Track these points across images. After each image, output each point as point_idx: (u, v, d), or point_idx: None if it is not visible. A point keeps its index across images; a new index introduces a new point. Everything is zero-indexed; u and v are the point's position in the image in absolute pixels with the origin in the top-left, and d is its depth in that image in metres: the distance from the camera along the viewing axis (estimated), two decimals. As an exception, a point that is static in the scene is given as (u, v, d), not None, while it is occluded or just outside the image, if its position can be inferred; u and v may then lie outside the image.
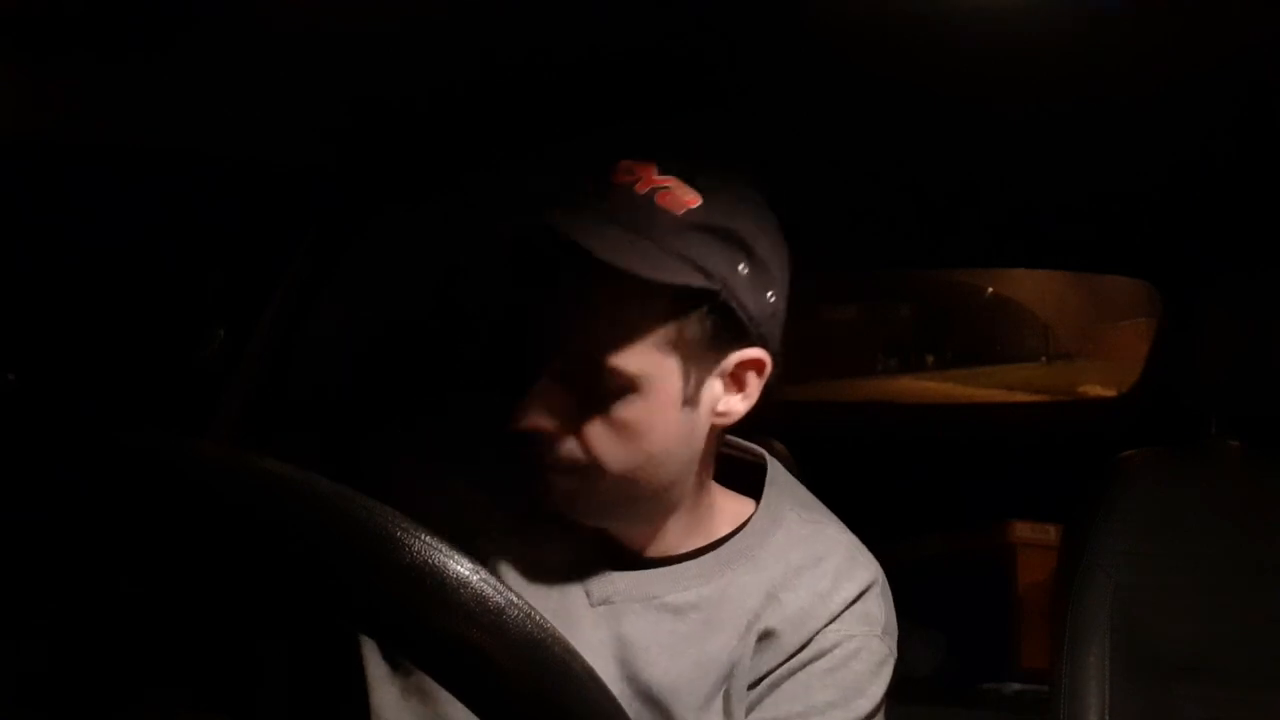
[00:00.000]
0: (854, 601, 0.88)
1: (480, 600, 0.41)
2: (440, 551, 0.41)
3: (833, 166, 1.24)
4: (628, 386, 0.78)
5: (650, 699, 0.85)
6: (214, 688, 0.94)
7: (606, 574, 0.88)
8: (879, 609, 0.91)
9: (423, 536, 0.41)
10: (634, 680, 0.85)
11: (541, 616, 0.43)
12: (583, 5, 0.84)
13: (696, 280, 0.76)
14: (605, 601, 0.87)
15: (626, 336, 0.77)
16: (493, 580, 0.42)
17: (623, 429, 0.79)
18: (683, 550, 0.89)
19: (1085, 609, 1.22)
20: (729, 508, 0.92)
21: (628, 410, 0.78)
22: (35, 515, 0.45)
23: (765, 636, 0.87)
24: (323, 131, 1.07)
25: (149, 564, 0.96)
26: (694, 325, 0.78)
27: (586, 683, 0.44)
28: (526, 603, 0.43)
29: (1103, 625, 1.20)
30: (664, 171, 0.80)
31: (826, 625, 0.88)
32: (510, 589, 0.43)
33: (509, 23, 0.86)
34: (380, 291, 1.28)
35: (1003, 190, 1.36)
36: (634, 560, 0.89)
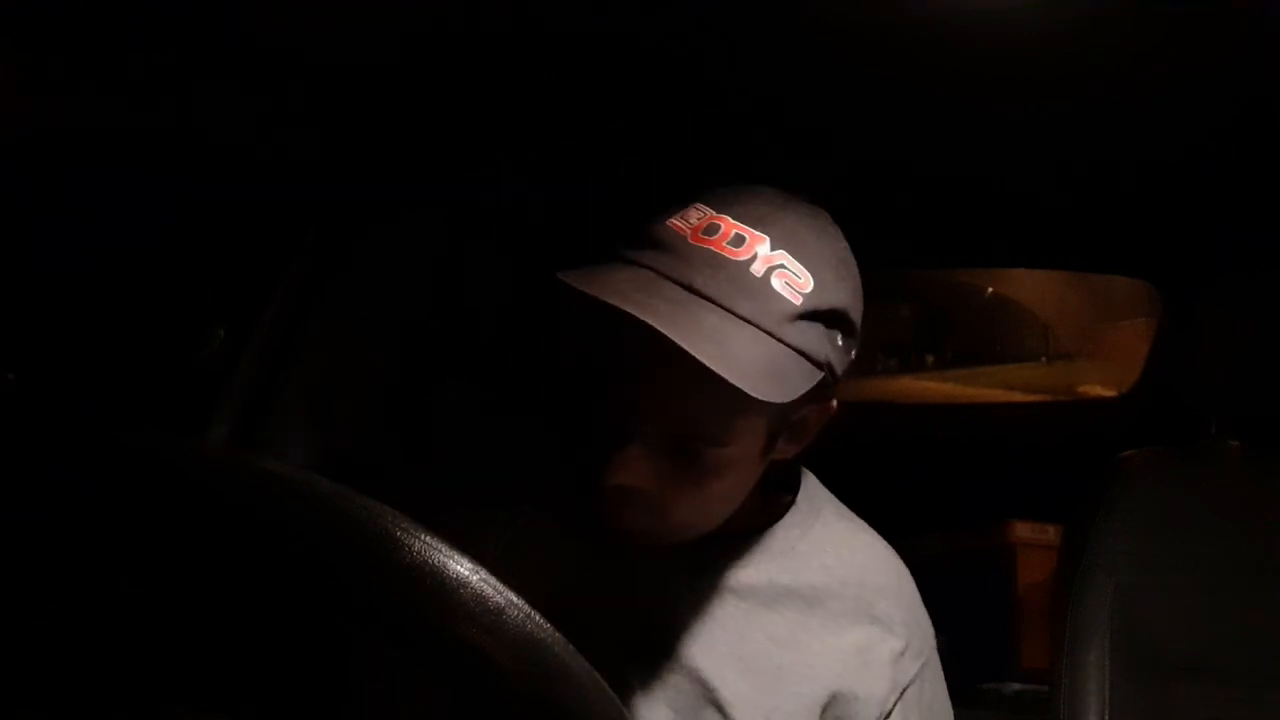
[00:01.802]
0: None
1: (480, 600, 0.41)
2: (440, 551, 0.41)
3: (832, 166, 1.24)
4: (717, 449, 0.79)
5: (691, 676, 0.85)
6: (214, 688, 0.94)
7: (649, 560, 0.88)
8: (926, 617, 0.95)
9: (423, 536, 0.41)
10: (671, 656, 0.86)
11: (541, 617, 0.43)
12: (585, 4, 0.84)
13: (814, 378, 0.78)
14: (652, 572, 0.88)
15: (729, 415, 0.78)
16: (493, 580, 0.42)
17: (703, 478, 0.81)
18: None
19: (1085, 609, 1.22)
20: (765, 501, 0.93)
21: (712, 464, 0.80)
22: (35, 515, 0.45)
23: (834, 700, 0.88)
24: (324, 131, 1.07)
25: (149, 564, 0.96)
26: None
27: (586, 683, 0.44)
28: (526, 603, 0.43)
29: (1103, 625, 1.20)
30: (775, 246, 0.78)
31: (909, 678, 0.91)
32: (509, 588, 0.43)
33: (509, 22, 0.86)
34: (383, 293, 1.28)
35: (1003, 190, 1.36)
36: (666, 548, 0.89)
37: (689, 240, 0.77)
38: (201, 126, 0.98)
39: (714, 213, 0.78)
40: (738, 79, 1.00)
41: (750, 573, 0.90)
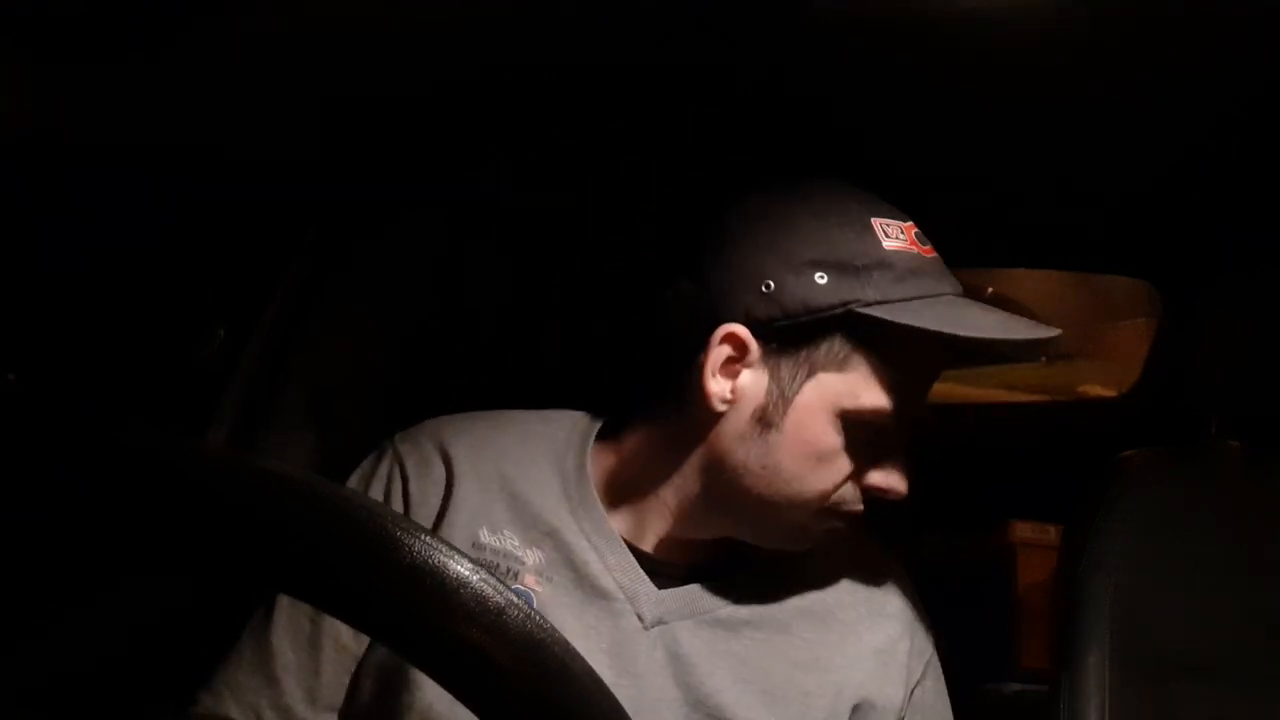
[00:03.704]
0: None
1: (480, 600, 0.41)
2: (440, 551, 0.41)
3: (832, 166, 1.24)
4: None
5: None
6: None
7: (656, 594, 0.88)
8: (926, 615, 0.98)
9: (423, 536, 0.41)
10: (701, 703, 0.85)
11: (541, 617, 0.43)
12: (587, 5, 0.84)
13: None
14: (659, 622, 0.87)
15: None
16: (493, 580, 0.42)
17: None
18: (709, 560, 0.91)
19: (1085, 609, 1.21)
20: None
21: None
22: (35, 515, 0.45)
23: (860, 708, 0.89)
24: (324, 131, 1.07)
25: (149, 565, 0.96)
26: None
27: (587, 683, 0.44)
28: (526, 603, 0.43)
29: (1103, 625, 1.20)
30: (922, 235, 0.89)
31: (916, 678, 0.93)
32: (510, 591, 0.43)
33: (511, 23, 0.86)
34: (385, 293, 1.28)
35: (1003, 189, 1.36)
36: (671, 574, 0.89)
37: (922, 254, 0.87)
38: (202, 127, 0.98)
39: (886, 219, 0.87)
40: (737, 79, 1.00)
41: (761, 598, 0.90)
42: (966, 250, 1.87)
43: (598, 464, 0.92)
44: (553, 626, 0.43)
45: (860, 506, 0.88)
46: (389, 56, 0.90)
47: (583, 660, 0.44)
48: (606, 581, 0.87)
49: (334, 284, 1.22)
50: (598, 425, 0.95)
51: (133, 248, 1.10)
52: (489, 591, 0.42)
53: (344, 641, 0.86)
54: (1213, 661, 1.19)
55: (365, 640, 0.86)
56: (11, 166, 0.92)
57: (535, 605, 0.85)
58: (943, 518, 1.89)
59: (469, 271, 1.38)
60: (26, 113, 0.85)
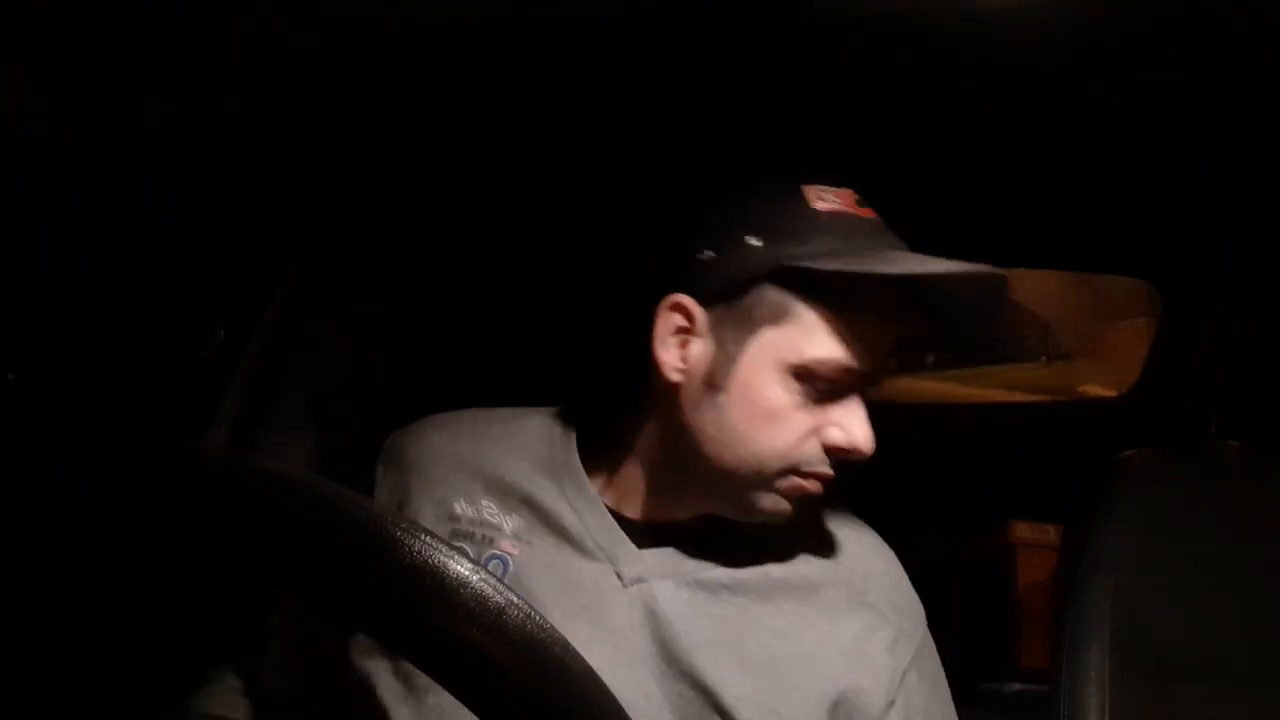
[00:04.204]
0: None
1: (480, 600, 0.41)
2: (440, 551, 0.41)
3: (832, 166, 1.24)
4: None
5: (695, 684, 0.85)
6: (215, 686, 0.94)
7: (635, 552, 0.89)
8: (915, 600, 0.99)
9: (423, 536, 0.41)
10: (674, 660, 0.86)
11: (541, 617, 0.43)
12: (587, 6, 0.84)
13: None
14: (638, 580, 0.88)
15: None
16: (493, 580, 0.42)
17: None
18: (685, 517, 0.92)
19: (1085, 609, 1.21)
20: None
21: None
22: (35, 515, 0.45)
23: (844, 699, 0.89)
24: (325, 133, 1.07)
25: (150, 565, 0.96)
26: None
27: (586, 683, 0.44)
28: (526, 603, 0.43)
29: (1103, 625, 1.20)
30: (862, 200, 0.90)
31: (901, 669, 0.92)
32: (510, 589, 0.43)
33: (510, 23, 0.86)
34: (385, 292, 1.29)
35: (1003, 189, 1.36)
36: (652, 537, 0.90)
37: (858, 215, 0.89)
38: (201, 127, 0.98)
39: (821, 186, 0.89)
40: (737, 79, 1.00)
41: (743, 565, 0.90)
42: (967, 250, 1.87)
43: (580, 443, 0.95)
44: (553, 626, 0.43)
45: (826, 468, 0.88)
46: (388, 56, 0.90)
47: (583, 660, 0.44)
48: (586, 541, 0.89)
49: (334, 284, 1.22)
50: (575, 413, 0.98)
51: (133, 248, 1.10)
52: (489, 591, 0.42)
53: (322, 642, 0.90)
54: (1213, 661, 1.19)
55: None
56: (11, 166, 0.93)
57: (511, 569, 0.86)
58: (943, 518, 1.89)
59: (469, 271, 1.38)
60: (26, 113, 0.85)
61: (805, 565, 0.93)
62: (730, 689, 0.85)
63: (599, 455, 0.94)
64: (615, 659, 0.84)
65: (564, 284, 1.39)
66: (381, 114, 1.04)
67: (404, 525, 0.42)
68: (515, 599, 0.42)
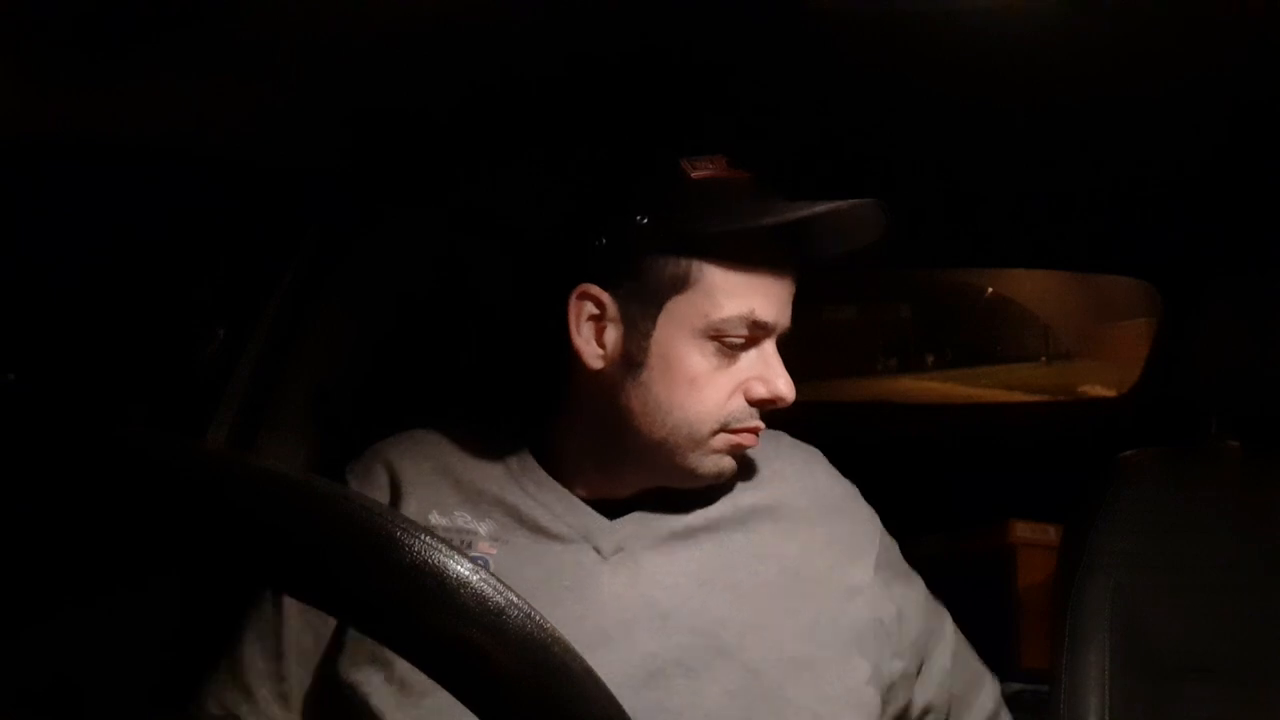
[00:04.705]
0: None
1: (480, 600, 0.41)
2: (440, 552, 0.41)
3: (832, 166, 1.24)
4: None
5: (694, 630, 0.88)
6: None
7: (608, 524, 0.92)
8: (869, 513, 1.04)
9: (422, 537, 0.41)
10: (670, 615, 0.88)
11: (541, 616, 0.43)
12: (588, 10, 0.84)
13: None
14: (617, 550, 0.91)
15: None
16: (493, 580, 0.42)
17: None
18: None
19: (1085, 609, 1.22)
20: None
21: None
22: (35, 515, 0.45)
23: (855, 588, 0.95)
24: (324, 133, 1.07)
25: (149, 566, 0.96)
26: None
27: (586, 683, 0.44)
28: (526, 603, 0.43)
29: (1103, 625, 1.20)
30: (734, 163, 0.92)
31: (876, 551, 0.99)
32: (510, 588, 0.43)
33: (513, 27, 0.86)
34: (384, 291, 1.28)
35: (1003, 190, 1.36)
36: (615, 510, 0.93)
37: (735, 177, 0.90)
38: (201, 127, 0.98)
39: (694, 157, 0.90)
40: (736, 78, 1.00)
41: (709, 505, 0.95)
42: (967, 250, 1.88)
43: (534, 440, 0.98)
44: (553, 626, 0.43)
45: (756, 420, 0.92)
46: (388, 57, 0.90)
47: (582, 660, 0.44)
48: (559, 527, 0.91)
49: (334, 284, 1.22)
50: (526, 412, 1.00)
51: (132, 247, 1.10)
52: (489, 591, 0.42)
53: (305, 646, 0.91)
54: (1212, 661, 1.19)
55: (324, 643, 0.90)
56: (11, 166, 0.93)
57: (492, 567, 0.88)
58: (943, 518, 1.89)
59: (469, 271, 1.38)
60: (26, 113, 0.85)
61: (769, 489, 0.97)
62: (729, 626, 0.88)
63: (548, 448, 0.96)
64: (611, 630, 0.86)
65: (483, 284, 1.40)
66: (385, 118, 1.04)
67: (404, 525, 0.42)
68: (515, 599, 0.42)
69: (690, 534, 0.92)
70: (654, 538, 0.91)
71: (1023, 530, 1.89)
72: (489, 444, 0.97)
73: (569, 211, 0.93)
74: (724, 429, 0.90)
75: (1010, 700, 1.09)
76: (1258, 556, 1.22)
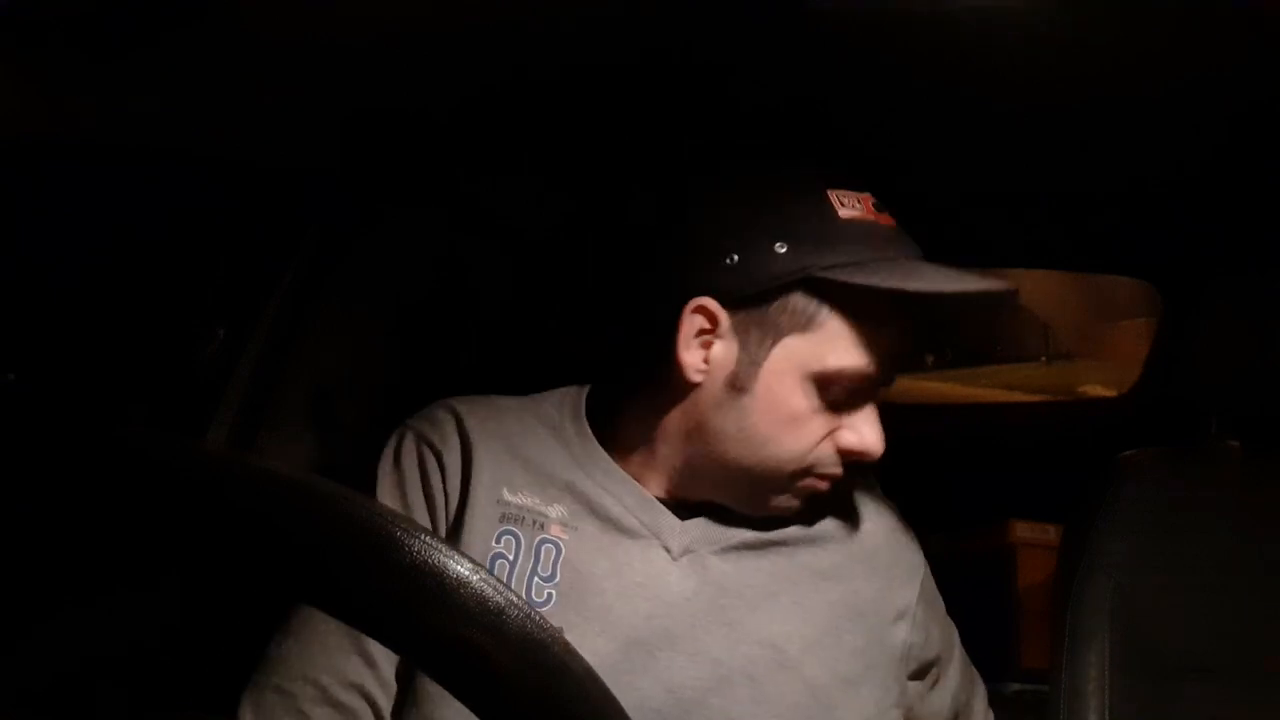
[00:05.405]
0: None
1: (480, 600, 0.41)
2: (440, 551, 0.41)
3: (831, 166, 1.24)
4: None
5: (761, 642, 0.88)
6: (216, 690, 0.94)
7: (679, 525, 0.92)
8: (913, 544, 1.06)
9: (422, 537, 0.41)
10: (737, 624, 0.88)
11: (541, 616, 0.43)
12: (588, 13, 0.84)
13: None
14: (687, 551, 0.90)
15: None
16: (493, 580, 0.42)
17: None
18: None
19: (1085, 609, 1.22)
20: None
21: None
22: (35, 515, 0.45)
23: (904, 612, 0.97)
24: (324, 133, 1.07)
25: (149, 566, 0.96)
26: None
27: (586, 683, 0.44)
28: (526, 602, 0.43)
29: (1103, 625, 1.20)
30: (880, 204, 0.92)
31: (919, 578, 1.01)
32: (510, 589, 0.43)
33: (513, 29, 0.86)
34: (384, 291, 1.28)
35: (1002, 190, 1.36)
36: (685, 510, 0.93)
37: (879, 222, 0.90)
38: (201, 127, 0.98)
39: (842, 190, 0.90)
40: (737, 78, 1.00)
41: (783, 523, 0.94)
42: (967, 250, 1.88)
43: (597, 431, 0.96)
44: (553, 626, 0.43)
45: (838, 469, 0.91)
46: (388, 57, 0.90)
47: (582, 660, 0.44)
48: (630, 521, 0.90)
49: (334, 284, 1.22)
50: (584, 398, 0.99)
51: (132, 247, 1.10)
52: (489, 591, 0.42)
53: None
54: (1212, 661, 1.19)
55: None
56: (11, 166, 0.93)
57: (564, 553, 0.87)
58: (943, 518, 1.89)
59: (469, 271, 1.38)
60: (27, 113, 0.85)
61: (828, 511, 0.97)
62: (793, 641, 0.88)
63: (612, 442, 0.95)
64: (679, 632, 0.86)
65: (567, 283, 1.40)
66: (385, 120, 1.04)
67: (404, 525, 0.41)
68: (515, 599, 0.42)
69: (759, 545, 0.92)
70: (723, 544, 0.91)
71: (1023, 530, 1.89)
72: (548, 427, 0.95)
73: (700, 220, 0.91)
74: (808, 472, 0.90)
75: (1010, 700, 1.10)
76: (1258, 556, 1.21)
